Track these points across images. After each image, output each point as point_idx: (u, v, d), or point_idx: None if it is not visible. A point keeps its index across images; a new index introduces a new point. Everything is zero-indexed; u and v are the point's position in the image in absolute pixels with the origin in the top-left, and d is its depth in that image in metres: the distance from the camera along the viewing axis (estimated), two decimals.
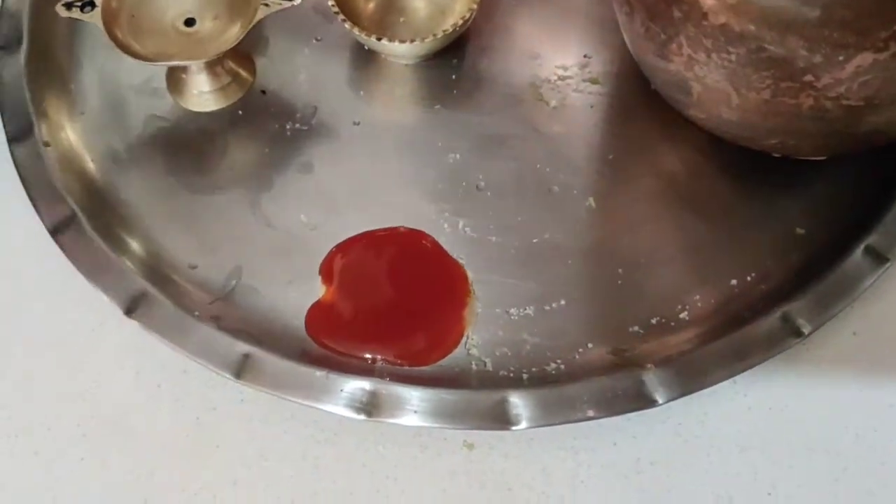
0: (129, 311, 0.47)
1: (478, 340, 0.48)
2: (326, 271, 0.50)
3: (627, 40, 0.50)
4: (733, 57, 0.42)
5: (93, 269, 0.49)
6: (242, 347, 0.46)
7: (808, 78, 0.41)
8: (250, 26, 0.51)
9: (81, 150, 0.54)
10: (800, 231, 0.50)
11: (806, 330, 0.46)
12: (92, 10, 0.52)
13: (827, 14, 0.39)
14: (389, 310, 0.49)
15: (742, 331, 0.46)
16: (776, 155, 0.50)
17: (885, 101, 0.41)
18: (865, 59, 0.39)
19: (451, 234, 0.51)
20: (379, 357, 0.47)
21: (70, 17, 0.52)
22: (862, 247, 0.48)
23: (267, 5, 0.52)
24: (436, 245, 0.51)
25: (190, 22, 0.53)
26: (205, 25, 0.53)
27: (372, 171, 0.53)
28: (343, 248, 0.50)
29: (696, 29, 0.42)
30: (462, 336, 0.48)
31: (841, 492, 0.45)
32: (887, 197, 0.49)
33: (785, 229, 0.50)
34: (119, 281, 0.48)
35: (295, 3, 0.52)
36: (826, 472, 0.45)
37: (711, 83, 0.44)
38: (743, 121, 0.45)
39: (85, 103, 0.56)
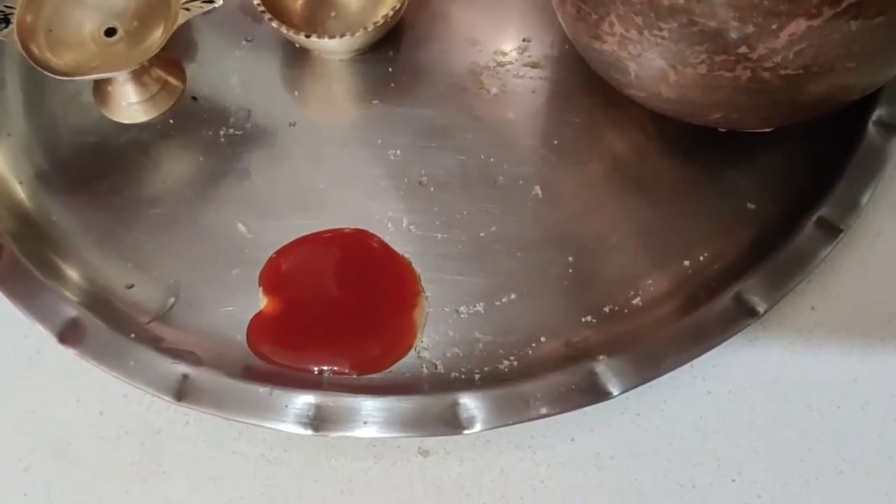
0: (63, 339, 0.46)
1: (428, 343, 0.47)
2: (267, 280, 0.48)
3: (562, 23, 0.48)
4: (665, 33, 0.40)
5: (25, 297, 0.47)
6: (182, 368, 0.45)
7: (743, 50, 0.39)
8: (171, 31, 0.49)
9: (8, 174, 0.52)
10: (751, 206, 0.49)
11: (761, 308, 0.45)
12: (6, 26, 0.50)
13: None
14: (336, 316, 0.47)
15: (696, 314, 0.45)
16: (722, 129, 0.48)
17: (824, 68, 0.40)
18: (799, 25, 0.38)
19: (395, 232, 0.49)
20: (326, 368, 0.45)
21: None
22: (814, 219, 0.47)
23: (188, 9, 0.50)
24: (382, 244, 0.49)
25: (110, 32, 0.51)
26: (125, 34, 0.51)
27: (311, 173, 0.51)
28: (283, 253, 0.48)
29: (626, 6, 0.41)
30: (414, 339, 0.47)
31: (808, 472, 0.44)
32: (837, 167, 0.48)
33: (736, 205, 0.49)
34: (52, 307, 0.47)
35: (216, 6, 0.50)
36: (791, 452, 0.44)
37: (646, 61, 0.43)
38: (683, 98, 0.44)
39: (10, 124, 0.54)
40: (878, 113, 0.49)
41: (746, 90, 0.42)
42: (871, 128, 0.49)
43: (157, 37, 0.50)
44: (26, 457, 0.46)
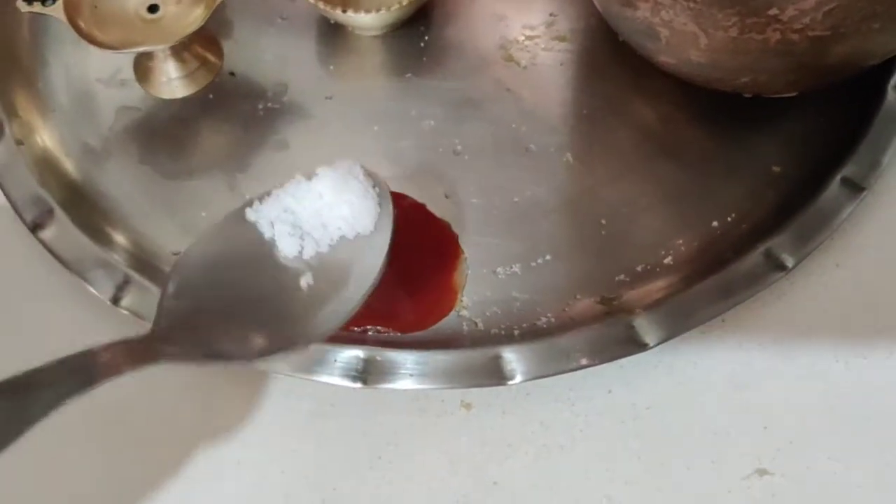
0: (116, 300, 0.47)
1: (467, 302, 0.48)
2: None
3: None
4: None
5: (76, 263, 0.49)
6: None
7: (773, 11, 0.41)
8: (214, 7, 0.51)
9: (55, 147, 0.54)
10: (776, 169, 0.51)
11: (789, 263, 0.46)
12: (53, 3, 0.51)
13: None
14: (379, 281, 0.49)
15: (726, 270, 0.46)
16: (747, 95, 0.50)
17: (851, 29, 0.42)
18: None
19: (431, 199, 0.51)
20: (371, 328, 0.47)
21: (32, 13, 0.51)
22: (838, 178, 0.48)
23: None
24: (417, 205, 0.50)
25: (153, 8, 0.53)
26: (168, 10, 0.53)
27: (348, 144, 0.53)
28: None
29: None
30: (455, 302, 0.48)
31: (836, 419, 0.45)
32: (860, 127, 0.50)
33: (762, 168, 0.51)
34: (104, 271, 0.48)
35: None
36: (820, 401, 0.46)
37: (678, 26, 0.44)
38: (713, 62, 0.46)
39: (54, 100, 0.55)
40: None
41: (775, 52, 0.43)
42: (889, 92, 0.51)
43: (199, 13, 0.52)
44: (82, 415, 0.47)
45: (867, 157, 0.49)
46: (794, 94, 0.50)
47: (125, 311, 0.47)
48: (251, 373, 0.47)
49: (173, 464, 0.46)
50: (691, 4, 0.42)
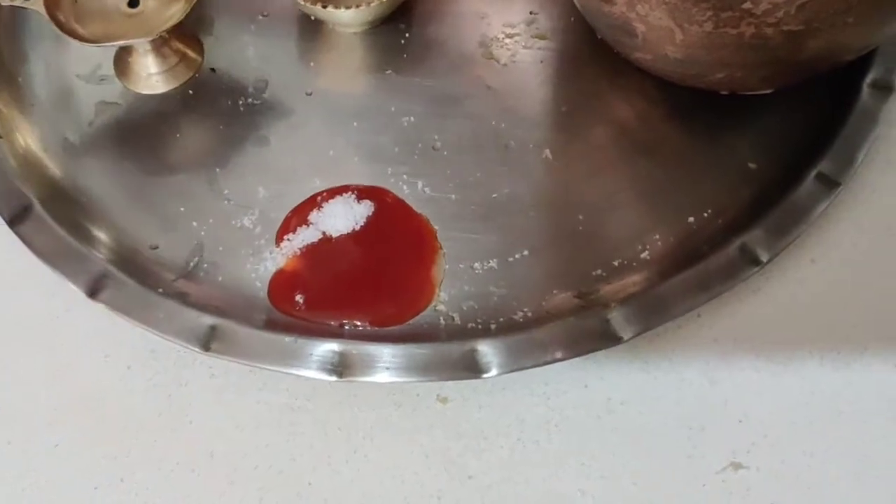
0: (93, 293, 0.47)
1: (445, 297, 0.48)
2: (284, 237, 0.50)
3: None
4: None
5: (54, 257, 0.49)
6: (209, 320, 0.46)
7: (747, 6, 0.41)
8: (194, 2, 0.51)
9: (35, 141, 0.54)
10: (752, 165, 0.51)
11: (764, 258, 0.46)
12: None
13: None
14: (356, 273, 0.49)
15: (701, 264, 0.47)
16: (724, 92, 0.50)
17: (824, 24, 0.42)
18: None
19: (410, 194, 0.51)
20: (347, 322, 0.47)
21: (12, 6, 0.51)
22: (813, 173, 0.49)
23: None
24: (398, 201, 0.51)
25: (134, 3, 0.53)
26: (148, 5, 0.53)
27: (328, 140, 0.53)
28: (299, 211, 0.50)
29: None
30: (433, 296, 0.48)
31: (811, 413, 0.46)
32: (836, 124, 0.50)
33: (737, 165, 0.51)
34: (81, 265, 0.48)
35: None
36: (795, 395, 0.46)
37: (654, 21, 0.45)
38: (688, 57, 0.46)
39: (34, 95, 0.55)
40: (872, 76, 0.51)
41: (750, 47, 0.44)
42: (865, 89, 0.51)
43: (179, 7, 0.52)
44: (57, 411, 0.47)
45: (842, 153, 0.49)
46: (769, 90, 0.50)
47: (102, 305, 0.47)
48: (225, 367, 0.46)
49: (146, 456, 0.46)
50: None
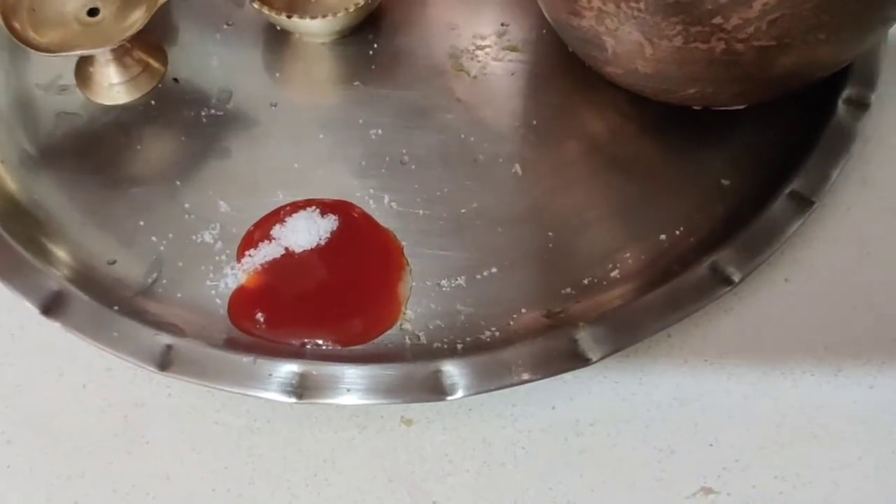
0: (47, 311, 0.46)
1: (411, 315, 0.47)
2: (246, 253, 0.48)
3: (541, 2, 0.49)
4: (641, 5, 0.41)
5: (8, 273, 0.47)
6: (165, 339, 0.45)
7: (717, 20, 0.40)
8: (154, 10, 0.50)
9: None
10: (725, 182, 0.50)
11: (736, 277, 0.45)
12: None
13: None
14: (320, 290, 0.48)
15: (672, 283, 0.46)
16: (696, 108, 0.49)
17: (796, 40, 0.41)
18: None
19: (377, 209, 0.50)
20: (309, 341, 0.46)
21: None
22: (786, 192, 0.48)
23: None
24: (365, 215, 0.49)
25: (93, 12, 0.52)
26: (108, 14, 0.52)
27: (293, 153, 0.52)
28: (261, 225, 0.49)
29: None
30: (399, 313, 0.47)
31: (783, 436, 0.45)
32: (808, 141, 0.49)
33: (710, 182, 0.50)
34: (36, 281, 0.47)
35: None
36: (767, 418, 0.45)
37: (624, 35, 0.44)
38: (659, 72, 0.45)
39: None
40: (847, 92, 0.51)
41: (721, 63, 0.43)
42: (840, 106, 0.50)
43: (139, 15, 0.51)
44: (9, 430, 0.46)
45: (817, 171, 0.48)
46: (742, 106, 0.49)
47: (57, 324, 0.46)
48: (183, 387, 0.45)
49: (100, 477, 0.44)
50: (635, 12, 0.42)
